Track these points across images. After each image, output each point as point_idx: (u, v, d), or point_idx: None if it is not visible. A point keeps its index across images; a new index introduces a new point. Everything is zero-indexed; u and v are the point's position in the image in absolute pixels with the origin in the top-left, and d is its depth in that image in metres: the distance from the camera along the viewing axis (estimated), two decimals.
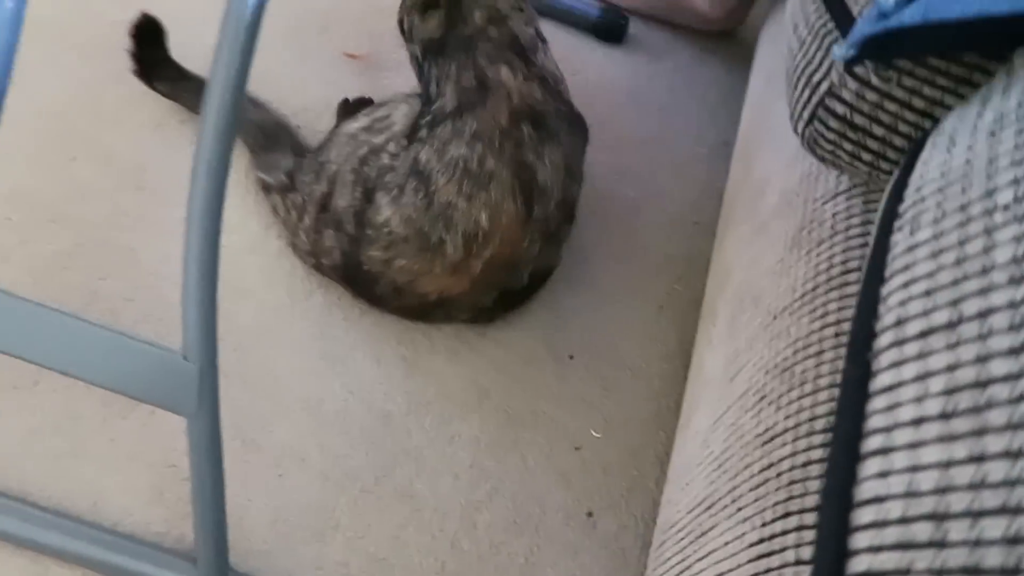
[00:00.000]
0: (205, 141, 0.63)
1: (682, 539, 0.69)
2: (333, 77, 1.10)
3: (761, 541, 0.52)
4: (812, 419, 0.53)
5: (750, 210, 0.83)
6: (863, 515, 0.35)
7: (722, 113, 1.16)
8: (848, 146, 0.57)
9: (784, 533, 0.50)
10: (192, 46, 1.08)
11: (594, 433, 0.89)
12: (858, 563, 0.34)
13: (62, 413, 0.83)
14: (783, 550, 0.49)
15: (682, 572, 0.65)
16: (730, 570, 0.55)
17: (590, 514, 0.85)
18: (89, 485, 0.80)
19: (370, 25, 1.16)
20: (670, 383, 0.93)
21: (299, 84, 1.08)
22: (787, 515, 0.50)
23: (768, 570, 0.50)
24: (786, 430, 0.55)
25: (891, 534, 0.33)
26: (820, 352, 0.55)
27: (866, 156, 0.57)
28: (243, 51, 0.59)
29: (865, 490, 0.35)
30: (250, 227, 0.96)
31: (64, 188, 0.95)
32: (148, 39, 0.98)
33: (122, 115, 1.01)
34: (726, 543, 0.58)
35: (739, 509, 0.58)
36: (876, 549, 0.33)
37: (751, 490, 0.57)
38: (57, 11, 1.05)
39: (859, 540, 0.34)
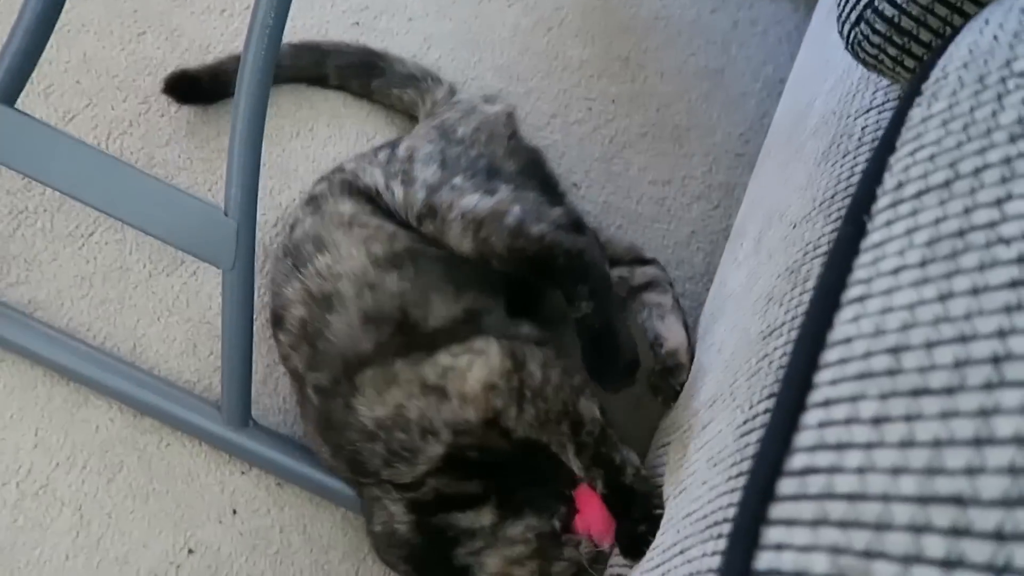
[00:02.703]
0: (259, 13, 0.66)
1: (685, 436, 0.71)
2: None
3: (746, 422, 0.54)
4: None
5: (792, 135, 0.83)
6: (830, 355, 0.36)
7: (782, 51, 1.14)
8: (892, 50, 0.57)
9: (766, 412, 0.51)
10: None
11: None
12: (818, 395, 0.35)
13: (112, 265, 0.88)
14: (763, 426, 0.50)
15: (682, 465, 0.67)
16: (719, 452, 0.57)
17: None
18: (130, 332, 0.86)
19: None
20: (692, 302, 0.94)
21: None
22: (771, 396, 0.52)
23: (747, 446, 0.51)
24: (783, 323, 0.56)
25: (852, 368, 0.34)
26: (828, 252, 0.55)
27: (909, 62, 0.56)
28: None
29: (837, 333, 0.36)
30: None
31: (131, 60, 0.99)
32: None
33: None
34: (719, 431, 0.60)
35: (734, 398, 0.60)
36: (836, 382, 0.34)
37: (746, 379, 0.58)
38: None
39: (823, 376, 0.35)
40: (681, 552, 0.55)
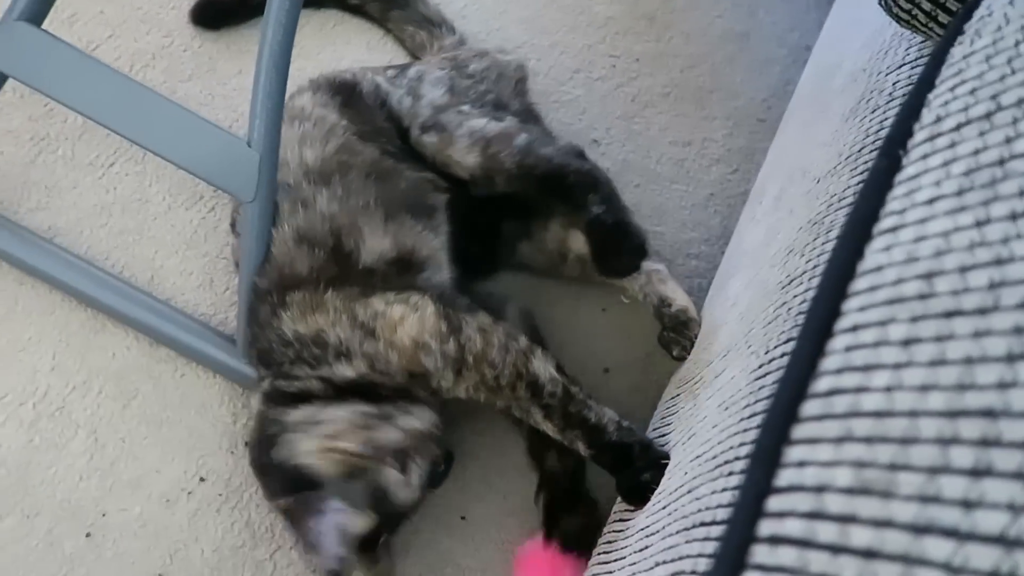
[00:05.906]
0: None
1: (695, 387, 0.71)
2: None
3: (761, 367, 0.54)
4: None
5: (817, 96, 0.82)
6: (860, 283, 0.36)
7: (809, 18, 1.13)
8: (927, 5, 0.56)
9: (783, 356, 0.51)
10: None
11: (623, 299, 0.91)
12: (845, 321, 0.35)
13: (131, 196, 0.89)
14: (779, 370, 0.51)
15: (692, 414, 0.68)
16: (731, 397, 0.58)
17: (606, 370, 0.88)
18: (148, 263, 0.86)
19: None
20: (707, 264, 0.95)
21: None
22: (789, 340, 0.52)
23: (761, 388, 0.52)
24: (804, 272, 0.56)
25: (882, 294, 0.34)
26: (861, 185, 0.55)
27: (943, 17, 0.56)
28: None
29: (867, 263, 0.36)
30: None
31: None
32: None
33: None
34: (732, 378, 0.60)
35: (749, 346, 0.60)
36: (864, 308, 0.35)
37: (762, 327, 0.59)
38: None
39: (851, 303, 0.36)
40: (689, 491, 0.56)
